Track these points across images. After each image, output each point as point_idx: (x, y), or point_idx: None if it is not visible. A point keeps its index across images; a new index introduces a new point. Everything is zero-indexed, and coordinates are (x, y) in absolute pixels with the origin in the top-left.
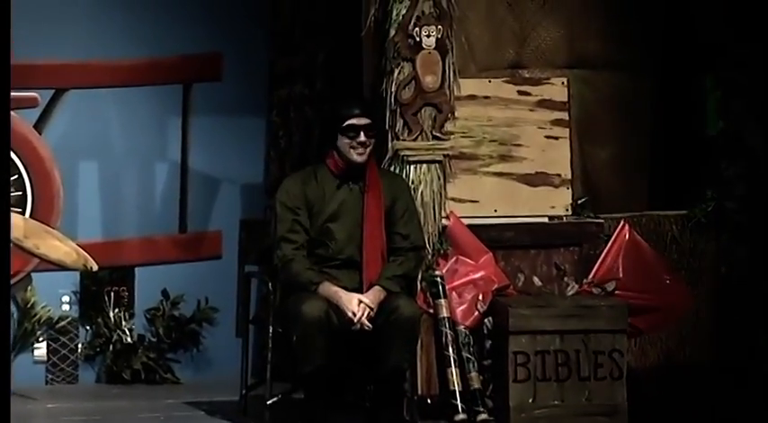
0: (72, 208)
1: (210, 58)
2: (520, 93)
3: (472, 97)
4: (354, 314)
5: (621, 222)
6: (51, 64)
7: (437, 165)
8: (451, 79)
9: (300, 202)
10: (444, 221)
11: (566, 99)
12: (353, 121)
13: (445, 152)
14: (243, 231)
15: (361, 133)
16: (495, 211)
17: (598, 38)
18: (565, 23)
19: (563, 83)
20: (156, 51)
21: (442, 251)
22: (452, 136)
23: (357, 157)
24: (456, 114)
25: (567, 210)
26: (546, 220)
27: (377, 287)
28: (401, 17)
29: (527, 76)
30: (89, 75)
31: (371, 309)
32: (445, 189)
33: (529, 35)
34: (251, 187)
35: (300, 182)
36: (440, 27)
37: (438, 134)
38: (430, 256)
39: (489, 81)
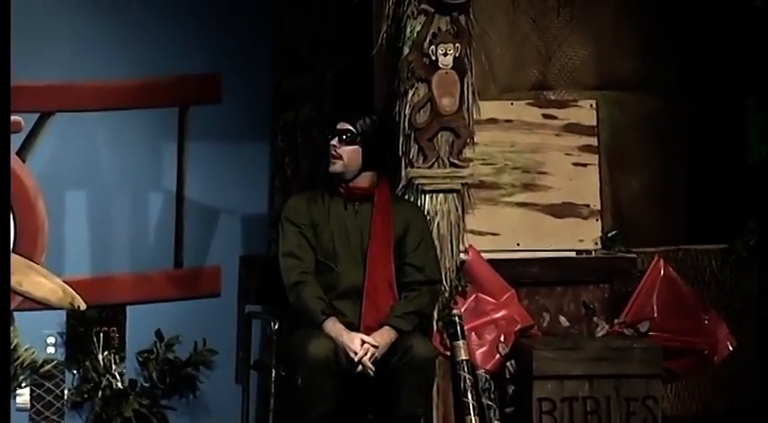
0: (58, 241)
1: (209, 79)
2: (545, 116)
3: (493, 121)
4: (356, 354)
5: (656, 257)
6: (36, 85)
7: (455, 194)
8: (470, 101)
9: (306, 219)
10: (462, 256)
11: (594, 123)
12: (336, 124)
13: (464, 180)
14: (243, 267)
15: (336, 138)
16: (518, 244)
17: (629, 56)
18: (593, 41)
19: (591, 105)
20: (149, 71)
21: (460, 288)
22: (471, 163)
23: (329, 164)
24: (475, 139)
25: (597, 243)
26: (573, 254)
27: (386, 327)
28: (416, 34)
29: (552, 97)
30: (77, 97)
31: (376, 348)
32: (463, 220)
33: (554, 54)
34: (253, 219)
35: (306, 201)
36: (458, 45)
37: (456, 161)
38: (447, 294)
39: (512, 103)
